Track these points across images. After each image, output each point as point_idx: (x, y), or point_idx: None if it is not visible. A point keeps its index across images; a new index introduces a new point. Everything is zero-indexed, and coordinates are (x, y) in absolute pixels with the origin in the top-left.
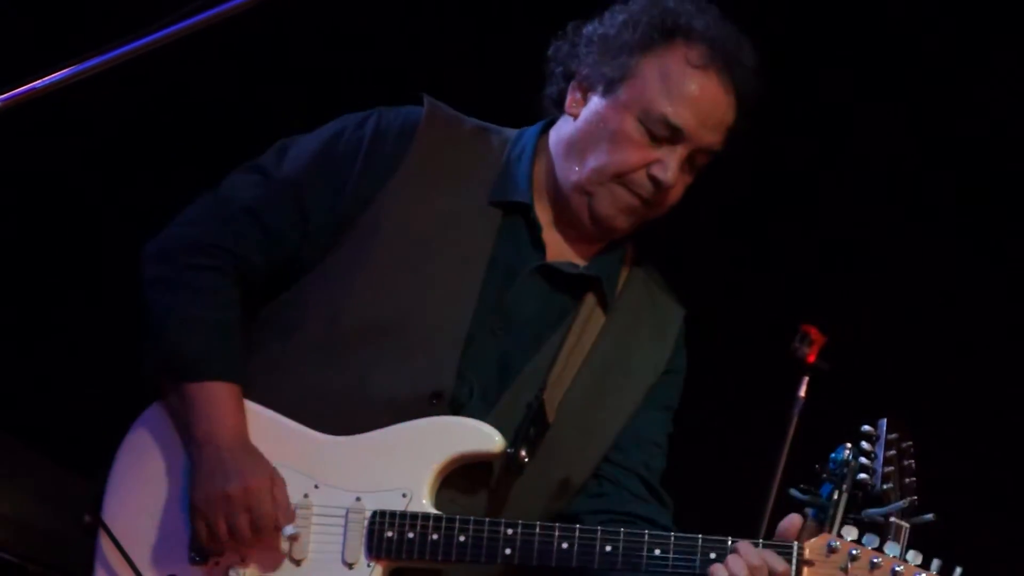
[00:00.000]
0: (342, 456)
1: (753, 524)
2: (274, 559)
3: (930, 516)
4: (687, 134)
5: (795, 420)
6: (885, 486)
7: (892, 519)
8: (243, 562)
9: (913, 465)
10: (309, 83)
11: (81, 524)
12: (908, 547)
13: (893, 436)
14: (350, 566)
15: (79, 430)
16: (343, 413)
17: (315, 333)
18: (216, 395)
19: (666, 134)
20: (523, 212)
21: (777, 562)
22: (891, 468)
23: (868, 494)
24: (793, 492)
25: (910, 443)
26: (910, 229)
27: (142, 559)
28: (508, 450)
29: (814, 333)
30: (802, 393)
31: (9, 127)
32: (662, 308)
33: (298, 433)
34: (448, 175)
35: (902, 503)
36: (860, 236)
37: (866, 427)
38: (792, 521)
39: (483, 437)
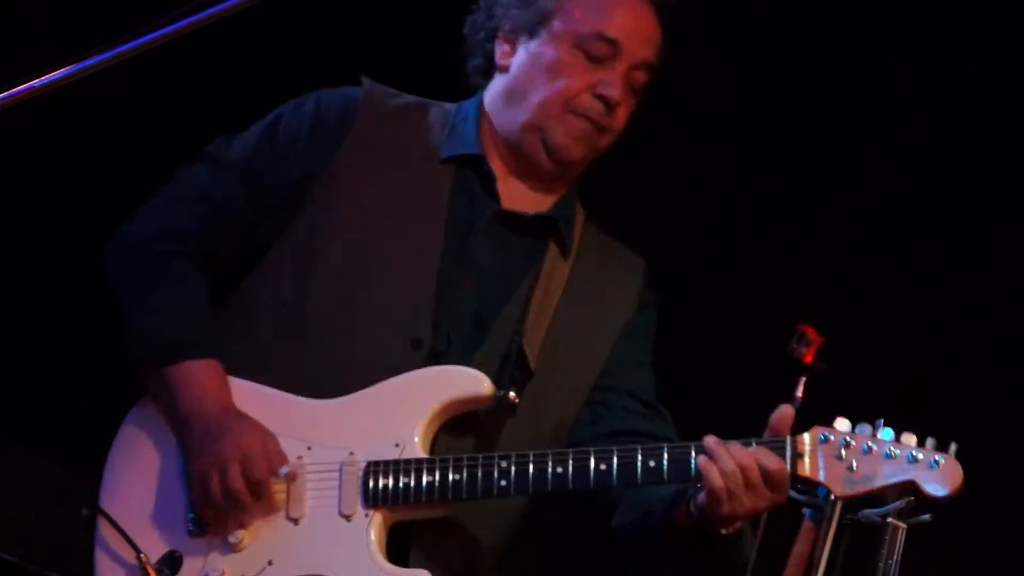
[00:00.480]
0: (332, 417)
1: (751, 523)
2: (272, 520)
3: (927, 516)
4: (623, 47)
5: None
6: None
7: (889, 519)
8: (241, 527)
9: None
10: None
11: (79, 518)
12: (903, 549)
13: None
14: (348, 518)
15: (72, 427)
16: (326, 376)
17: (286, 305)
18: (196, 372)
19: (604, 52)
20: (474, 166)
21: (770, 460)
22: None
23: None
24: (791, 492)
25: None
26: (908, 229)
27: (142, 541)
28: (497, 393)
29: (811, 333)
30: (799, 393)
31: (10, 124)
32: (622, 256)
33: (285, 400)
34: (394, 143)
35: (899, 503)
36: (858, 236)
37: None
38: (783, 413)
39: (472, 381)
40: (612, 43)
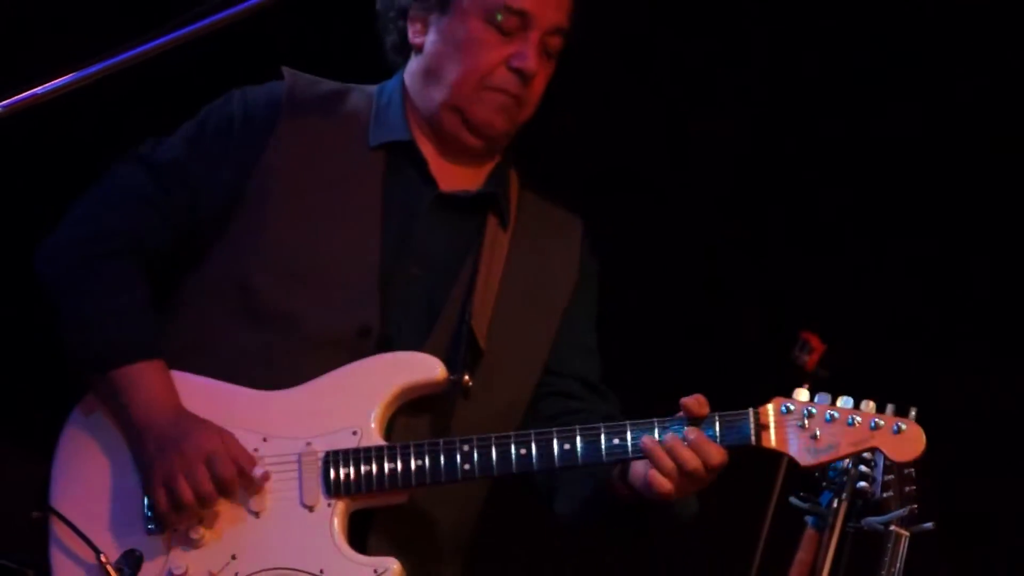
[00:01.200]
0: (285, 407)
1: (754, 530)
2: (233, 515)
3: (930, 525)
4: (533, 16)
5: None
6: (885, 494)
7: (892, 527)
8: (201, 523)
9: (913, 474)
10: None
11: (29, 520)
12: (906, 557)
13: None
14: (310, 508)
15: (20, 413)
16: (274, 367)
17: (230, 298)
18: (142, 376)
19: (514, 24)
20: (405, 151)
21: (710, 453)
22: (891, 476)
23: (868, 502)
24: (793, 500)
25: None
26: (912, 237)
27: (98, 541)
28: (451, 376)
29: (814, 341)
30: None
31: (12, 132)
32: (560, 219)
33: (236, 393)
34: (322, 132)
35: (902, 511)
36: (861, 244)
37: None
38: (696, 397)
39: (425, 366)
40: (521, 14)
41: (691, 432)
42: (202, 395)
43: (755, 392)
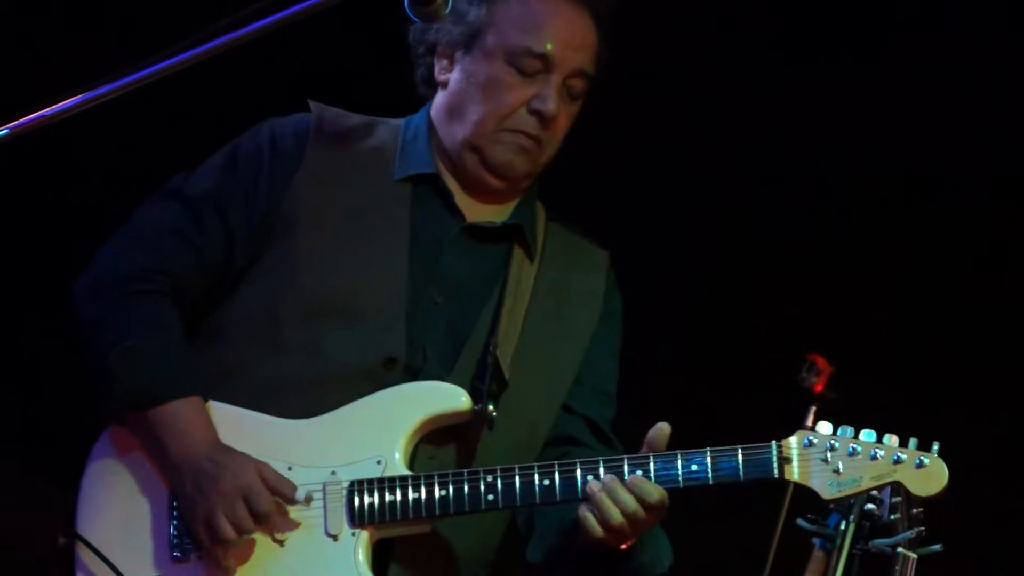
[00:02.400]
0: (311, 437)
1: (761, 552)
2: (258, 544)
3: (937, 547)
4: (554, 59)
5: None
6: (892, 516)
7: (900, 549)
8: (227, 550)
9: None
10: None
11: (55, 547)
12: None
13: None
14: (334, 537)
15: (48, 438)
16: (301, 396)
17: (259, 328)
18: (180, 414)
19: (536, 66)
20: (431, 183)
21: (649, 494)
22: (898, 498)
23: (875, 524)
24: (800, 522)
25: None
26: (919, 258)
27: (123, 567)
28: (475, 407)
29: (821, 363)
30: (809, 423)
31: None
32: (585, 252)
33: (263, 422)
34: (349, 164)
35: (909, 533)
36: (869, 266)
37: None
38: (659, 430)
39: (450, 396)
40: (543, 57)
41: (634, 478)
42: (229, 424)
43: (763, 414)
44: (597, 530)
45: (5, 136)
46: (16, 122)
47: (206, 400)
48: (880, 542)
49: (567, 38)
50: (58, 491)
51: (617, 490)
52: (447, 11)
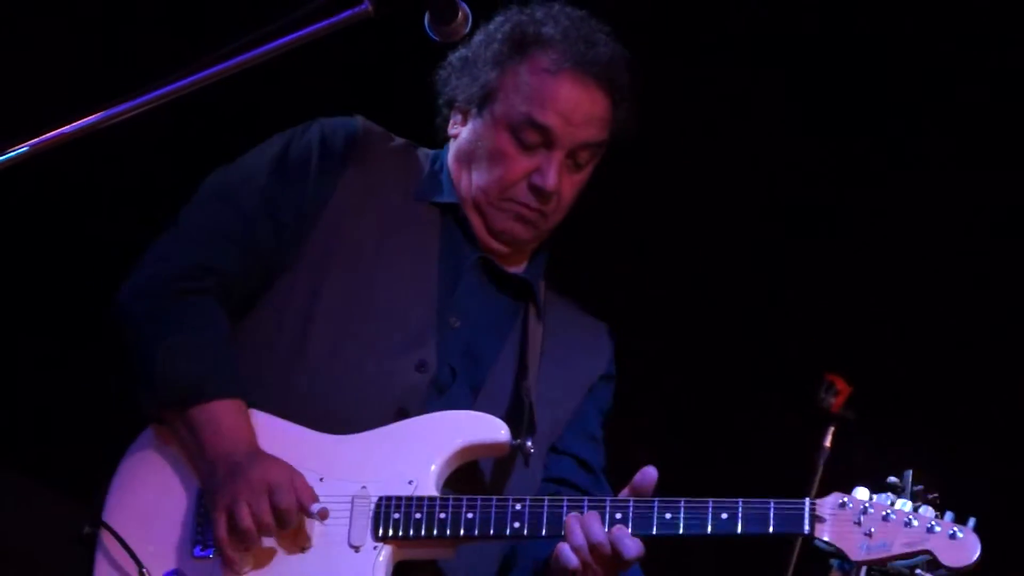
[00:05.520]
0: (347, 451)
1: (779, 573)
2: (280, 547)
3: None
4: (557, 135)
5: (820, 470)
6: None
7: (919, 571)
8: (248, 551)
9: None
10: None
11: (80, 535)
12: None
13: (918, 488)
14: (356, 548)
15: (69, 452)
16: (333, 402)
17: (292, 337)
18: (221, 413)
19: (537, 140)
20: (454, 212)
21: (627, 546)
22: None
23: None
24: (818, 542)
25: (936, 495)
26: (940, 279)
27: (145, 559)
28: (513, 442)
29: (839, 383)
30: (827, 443)
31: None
32: (584, 318)
33: (301, 434)
34: (389, 178)
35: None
36: (888, 286)
37: (892, 479)
38: (645, 474)
39: (490, 427)
40: (545, 130)
41: (617, 528)
42: (268, 432)
43: (781, 434)
44: (571, 564)
45: (26, 152)
46: (37, 139)
47: (249, 404)
48: (898, 564)
49: (572, 114)
50: (72, 491)
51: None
52: (466, 30)
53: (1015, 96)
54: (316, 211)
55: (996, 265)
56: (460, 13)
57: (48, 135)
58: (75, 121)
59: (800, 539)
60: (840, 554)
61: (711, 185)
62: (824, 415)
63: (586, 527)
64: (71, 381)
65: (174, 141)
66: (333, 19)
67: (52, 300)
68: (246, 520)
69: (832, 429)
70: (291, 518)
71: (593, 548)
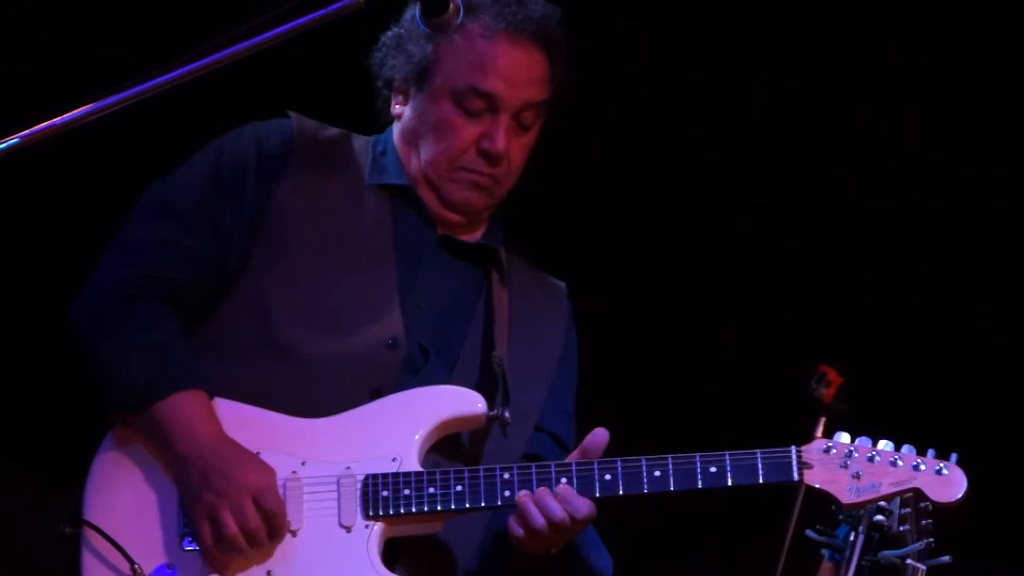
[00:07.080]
0: (325, 434)
1: (770, 564)
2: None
3: (947, 558)
4: (500, 98)
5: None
6: (901, 528)
7: (909, 561)
8: (229, 546)
9: (930, 507)
10: None
11: (60, 536)
12: None
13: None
14: (347, 529)
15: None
16: (308, 390)
17: (257, 327)
18: (181, 407)
19: (481, 105)
20: (405, 194)
21: (579, 507)
22: (907, 510)
23: (884, 536)
24: (809, 533)
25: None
26: (931, 269)
27: (133, 555)
28: (490, 412)
29: (831, 374)
30: (819, 434)
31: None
32: (547, 284)
33: (274, 419)
34: (330, 169)
35: (918, 545)
36: (880, 277)
37: None
38: (595, 436)
39: (468, 400)
40: (488, 96)
41: (562, 488)
42: (239, 421)
43: (772, 425)
44: (518, 531)
45: (15, 144)
46: (27, 131)
47: (210, 395)
48: (889, 554)
49: (512, 76)
50: (56, 490)
51: (546, 499)
52: (458, 22)
53: (1015, 96)
54: (261, 211)
55: (987, 256)
56: (451, 5)
57: (36, 127)
58: (62, 114)
59: (791, 531)
60: (832, 544)
61: (704, 179)
62: (816, 406)
63: (541, 503)
64: (54, 376)
65: (173, 141)
66: (324, 11)
67: (45, 297)
68: (231, 528)
69: (824, 420)
70: (280, 520)
71: (553, 524)
